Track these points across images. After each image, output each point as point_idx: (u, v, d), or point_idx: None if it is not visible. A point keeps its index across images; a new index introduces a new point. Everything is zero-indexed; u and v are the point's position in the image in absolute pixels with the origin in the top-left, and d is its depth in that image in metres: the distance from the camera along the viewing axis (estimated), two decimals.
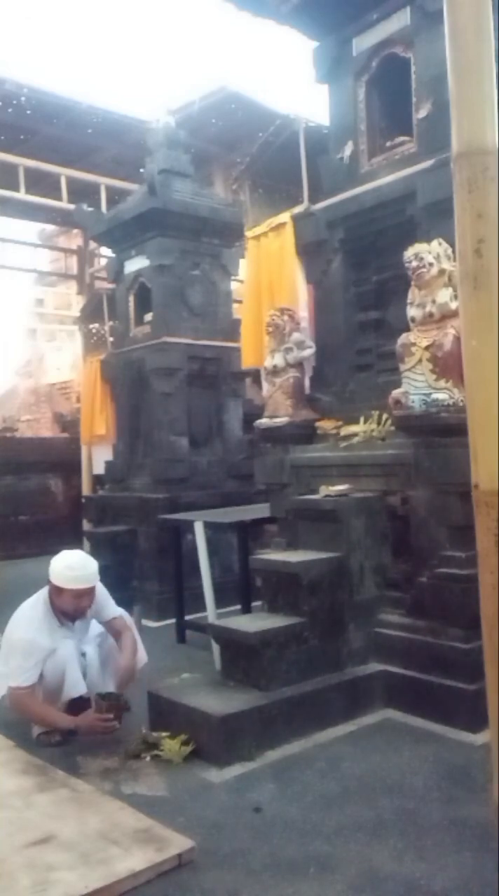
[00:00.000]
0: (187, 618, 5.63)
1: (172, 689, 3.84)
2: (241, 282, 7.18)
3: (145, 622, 5.99)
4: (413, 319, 4.05)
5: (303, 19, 4.84)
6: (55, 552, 3.93)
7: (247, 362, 5.89)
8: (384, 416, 4.30)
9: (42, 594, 3.88)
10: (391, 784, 3.12)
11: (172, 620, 5.77)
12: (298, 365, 4.95)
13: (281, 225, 5.24)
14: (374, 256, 4.77)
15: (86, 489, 10.26)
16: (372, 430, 4.37)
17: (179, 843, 2.64)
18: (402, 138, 4.60)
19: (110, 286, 9.01)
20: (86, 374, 8.93)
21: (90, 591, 3.82)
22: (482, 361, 1.87)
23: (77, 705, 3.76)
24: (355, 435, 4.44)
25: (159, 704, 3.74)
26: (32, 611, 3.82)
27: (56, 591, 3.79)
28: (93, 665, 3.89)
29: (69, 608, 3.80)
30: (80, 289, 12.04)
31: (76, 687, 3.75)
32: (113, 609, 4.05)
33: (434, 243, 3.96)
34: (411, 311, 4.07)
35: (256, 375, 7.08)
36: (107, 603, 4.02)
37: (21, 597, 3.96)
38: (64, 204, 10.19)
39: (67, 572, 3.75)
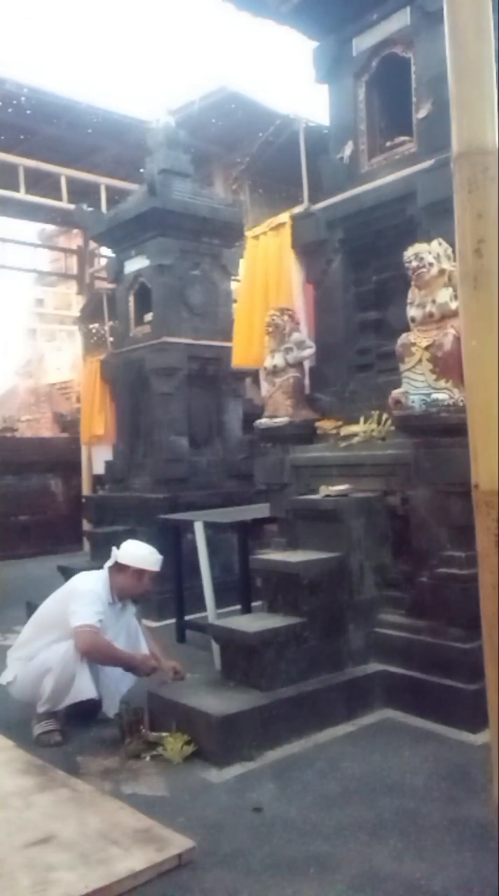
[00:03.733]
0: (187, 618, 5.63)
1: (172, 689, 3.85)
2: (240, 282, 7.18)
3: (145, 622, 5.97)
4: (413, 319, 4.05)
5: (303, 19, 4.85)
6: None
7: (237, 361, 5.88)
8: (384, 416, 4.30)
9: (101, 574, 4.00)
10: (391, 784, 3.12)
11: (172, 620, 5.76)
12: (298, 365, 4.95)
13: (280, 225, 5.24)
14: (374, 256, 4.77)
15: (86, 489, 10.27)
16: (372, 430, 4.37)
17: (179, 843, 2.64)
18: (402, 138, 4.61)
19: (110, 286, 9.01)
20: (86, 374, 8.94)
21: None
22: (482, 361, 1.87)
23: (84, 706, 3.80)
24: (355, 435, 4.44)
25: (159, 704, 3.74)
26: (96, 581, 3.96)
27: (136, 575, 3.98)
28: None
29: (141, 590, 4.07)
30: (80, 289, 12.07)
31: (86, 690, 3.73)
32: None
33: (434, 243, 3.96)
34: (411, 311, 4.07)
35: (256, 375, 7.07)
36: None
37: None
38: (64, 204, 10.21)
39: (152, 556, 4.05)
